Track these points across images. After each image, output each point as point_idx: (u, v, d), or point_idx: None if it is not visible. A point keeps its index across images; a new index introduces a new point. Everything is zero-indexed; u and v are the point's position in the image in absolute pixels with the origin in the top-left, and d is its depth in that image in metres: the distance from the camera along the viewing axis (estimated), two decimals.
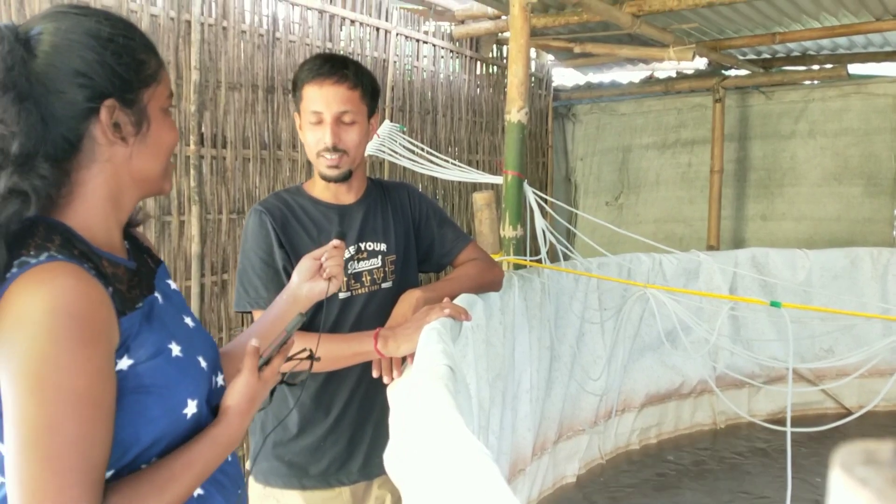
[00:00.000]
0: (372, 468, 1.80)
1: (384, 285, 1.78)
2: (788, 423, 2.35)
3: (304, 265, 1.39)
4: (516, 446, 2.65)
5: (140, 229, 1.14)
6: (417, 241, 1.88)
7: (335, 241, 1.42)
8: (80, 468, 0.80)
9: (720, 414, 3.80)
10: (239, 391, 1.07)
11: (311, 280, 1.37)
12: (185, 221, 3.00)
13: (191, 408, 0.97)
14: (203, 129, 3.05)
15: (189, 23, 2.97)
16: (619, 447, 3.49)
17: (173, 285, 1.10)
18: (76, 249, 0.87)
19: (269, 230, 1.69)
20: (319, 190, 1.78)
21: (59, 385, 0.80)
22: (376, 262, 1.77)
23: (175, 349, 0.96)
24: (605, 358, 3.26)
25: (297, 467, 1.76)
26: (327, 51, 3.62)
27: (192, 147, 3.00)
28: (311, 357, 1.28)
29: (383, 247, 1.79)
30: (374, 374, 1.56)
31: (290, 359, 1.24)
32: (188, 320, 1.07)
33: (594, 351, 3.24)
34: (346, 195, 1.79)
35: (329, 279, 1.39)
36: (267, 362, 1.14)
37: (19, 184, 0.85)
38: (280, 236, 1.70)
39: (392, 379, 1.54)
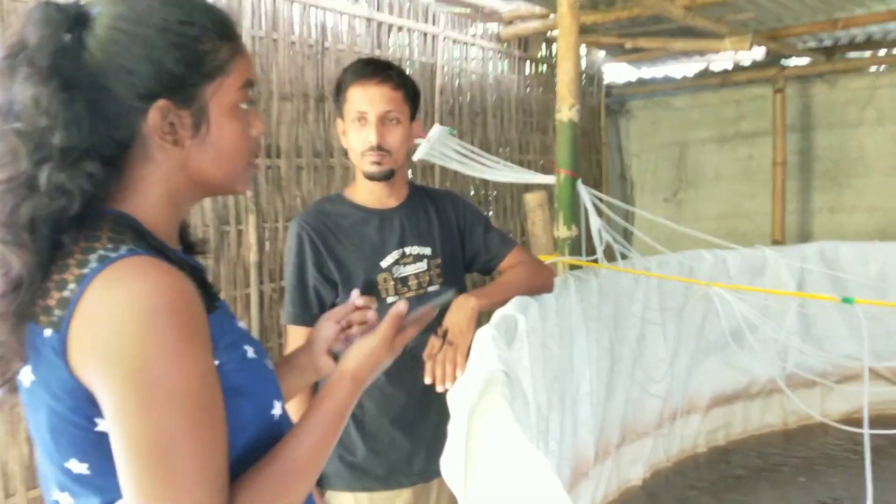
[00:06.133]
0: (431, 470, 1.81)
1: (430, 289, 1.79)
2: (866, 424, 2.23)
3: (322, 333, 1.13)
4: (577, 451, 2.59)
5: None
6: (464, 247, 1.89)
7: (357, 297, 1.13)
8: (206, 479, 0.73)
9: (791, 414, 3.65)
10: (364, 356, 0.97)
11: (326, 352, 1.12)
12: (242, 230, 3.05)
13: (277, 409, 0.91)
14: None
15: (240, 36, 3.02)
16: (686, 450, 3.39)
17: None
18: (148, 244, 0.80)
19: (304, 246, 1.75)
20: (361, 195, 1.81)
21: (171, 392, 0.72)
22: (422, 265, 1.79)
23: (249, 351, 0.89)
24: (667, 359, 3.17)
25: (359, 469, 1.79)
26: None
27: None
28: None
29: (428, 251, 1.80)
30: (427, 381, 1.53)
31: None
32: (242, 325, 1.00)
33: (656, 352, 3.15)
34: (387, 199, 1.80)
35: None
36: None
37: (64, 182, 0.76)
38: (321, 250, 1.74)
39: (446, 389, 1.52)
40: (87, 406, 0.75)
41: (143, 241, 0.80)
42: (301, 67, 3.28)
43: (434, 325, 1.67)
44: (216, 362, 0.82)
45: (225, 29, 0.87)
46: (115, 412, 0.73)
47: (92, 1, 0.82)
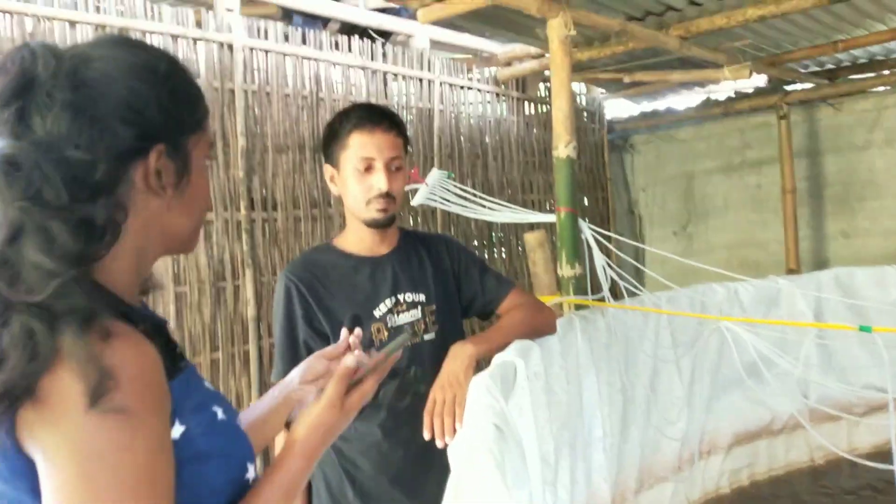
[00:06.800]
0: None
1: (426, 337, 1.73)
2: (894, 460, 2.11)
3: (310, 365, 1.11)
4: (593, 499, 2.47)
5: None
6: (460, 292, 1.83)
7: (351, 336, 1.11)
8: None
9: (817, 450, 3.50)
10: (312, 425, 0.91)
11: (312, 383, 1.10)
12: (239, 286, 3.00)
13: (251, 472, 0.86)
14: (252, 193, 3.08)
15: (233, 91, 3.02)
16: (709, 493, 3.24)
17: None
18: (111, 307, 0.75)
19: (293, 300, 1.70)
20: (351, 243, 1.76)
21: (117, 467, 0.68)
22: (416, 313, 1.73)
23: (219, 412, 0.85)
24: (683, 398, 3.05)
25: None
26: None
27: (243, 212, 3.02)
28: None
29: (422, 297, 1.75)
30: (426, 437, 1.46)
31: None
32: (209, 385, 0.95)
33: (671, 391, 3.04)
34: (378, 246, 1.76)
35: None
36: (355, 384, 0.95)
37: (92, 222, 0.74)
38: (310, 303, 1.69)
39: (445, 443, 1.44)
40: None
41: (105, 304, 0.75)
42: (296, 119, 3.27)
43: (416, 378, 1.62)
44: (182, 427, 0.78)
45: (200, 89, 0.90)
46: (55, 483, 0.67)
47: (71, 47, 0.80)
